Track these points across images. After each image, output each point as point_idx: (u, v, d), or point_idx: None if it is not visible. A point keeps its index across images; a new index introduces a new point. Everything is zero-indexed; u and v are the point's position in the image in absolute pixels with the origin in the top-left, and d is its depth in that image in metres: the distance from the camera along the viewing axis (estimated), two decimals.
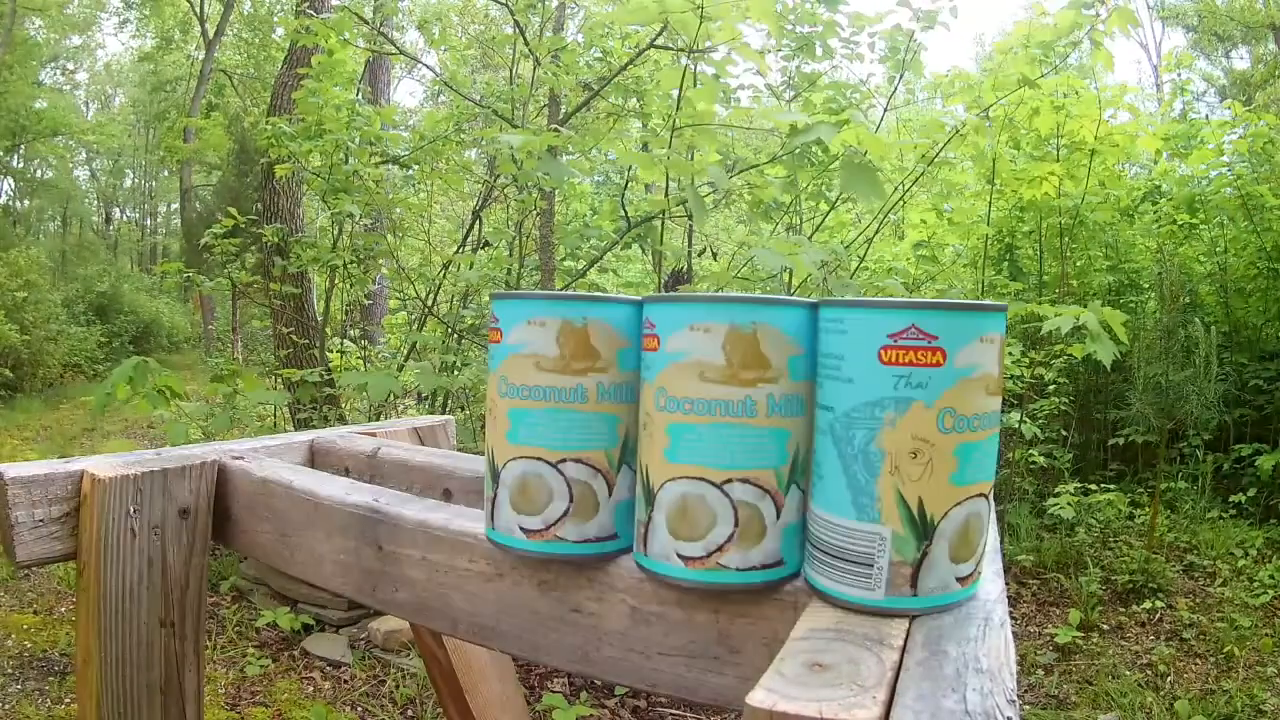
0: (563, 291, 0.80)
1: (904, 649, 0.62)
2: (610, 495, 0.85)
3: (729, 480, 0.74)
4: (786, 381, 0.75)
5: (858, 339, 0.70)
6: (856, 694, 0.54)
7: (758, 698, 0.54)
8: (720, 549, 0.75)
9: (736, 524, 0.74)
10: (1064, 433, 6.18)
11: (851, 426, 0.70)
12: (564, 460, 0.83)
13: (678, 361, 0.76)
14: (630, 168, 5.49)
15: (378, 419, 5.09)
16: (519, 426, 0.84)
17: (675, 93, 3.96)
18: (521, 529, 0.84)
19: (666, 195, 4.18)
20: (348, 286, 5.91)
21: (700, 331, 0.75)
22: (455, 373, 4.95)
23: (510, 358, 0.85)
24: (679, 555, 0.76)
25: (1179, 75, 8.22)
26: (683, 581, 0.76)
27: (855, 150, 3.24)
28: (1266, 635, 4.24)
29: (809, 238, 5.02)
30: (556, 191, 5.80)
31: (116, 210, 30.88)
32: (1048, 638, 4.42)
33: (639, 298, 0.87)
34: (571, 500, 0.83)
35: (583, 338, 0.83)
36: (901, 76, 4.89)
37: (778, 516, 0.75)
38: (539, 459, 0.83)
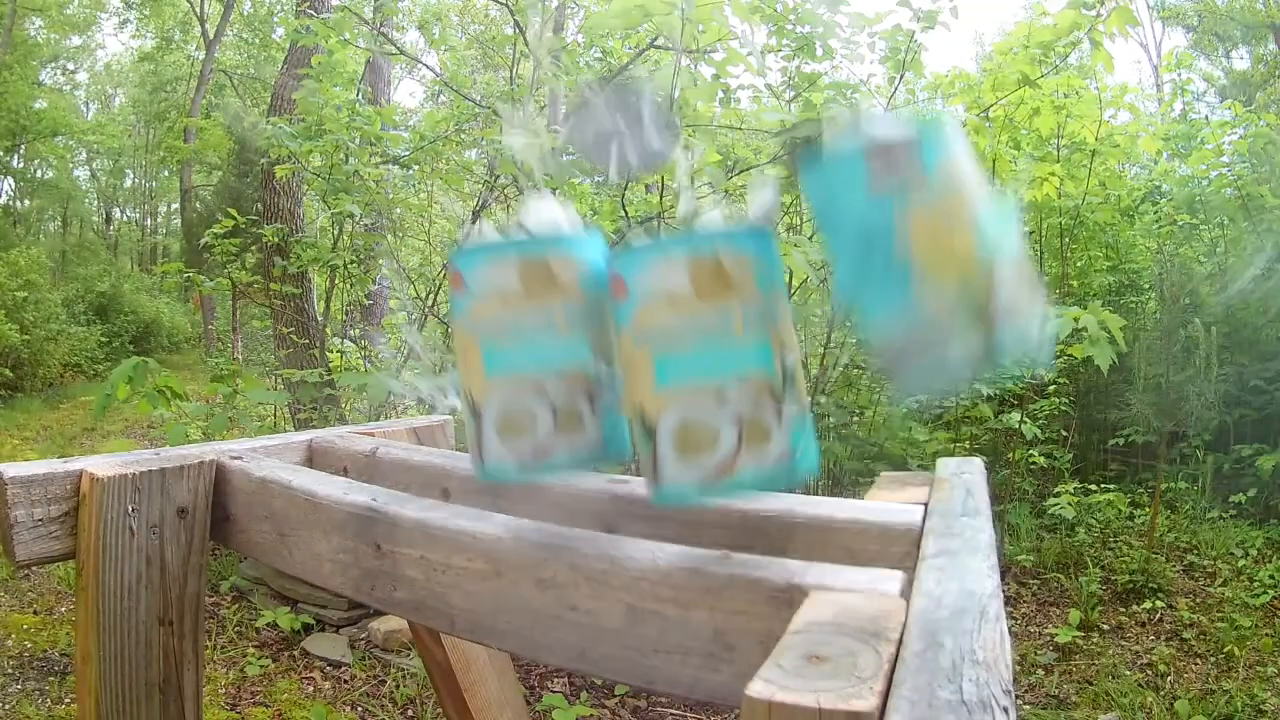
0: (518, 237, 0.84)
1: (901, 641, 0.62)
2: (593, 410, 0.87)
3: (722, 391, 0.76)
4: (754, 292, 0.79)
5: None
6: (854, 685, 0.55)
7: (756, 689, 0.54)
8: (734, 458, 0.77)
9: (742, 435, 0.76)
10: (1064, 433, 6.18)
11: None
12: (544, 381, 0.85)
13: (649, 301, 0.80)
14: None
15: (378, 419, 5.09)
16: (494, 362, 0.87)
17: (675, 93, 3.97)
18: (515, 458, 0.86)
19: (661, 198, 4.18)
20: (348, 286, 5.91)
21: (664, 267, 0.79)
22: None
23: (478, 300, 0.88)
24: (693, 478, 0.79)
25: (1179, 75, 8.23)
26: (703, 503, 0.82)
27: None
28: (1266, 635, 4.24)
29: (809, 238, 5.02)
30: (557, 191, 5.80)
31: (116, 210, 30.88)
32: (1048, 638, 4.42)
33: (597, 234, 0.93)
34: (557, 419, 0.85)
35: (544, 270, 0.87)
36: (902, 77, 4.89)
37: (779, 417, 0.77)
38: (519, 385, 0.86)
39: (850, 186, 0.77)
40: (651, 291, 0.82)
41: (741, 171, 4.89)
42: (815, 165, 0.80)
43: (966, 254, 0.74)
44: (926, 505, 1.03)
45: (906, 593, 0.73)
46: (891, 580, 0.75)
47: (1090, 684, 3.97)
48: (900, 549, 0.95)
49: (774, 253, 0.82)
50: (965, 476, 1.17)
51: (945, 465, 1.25)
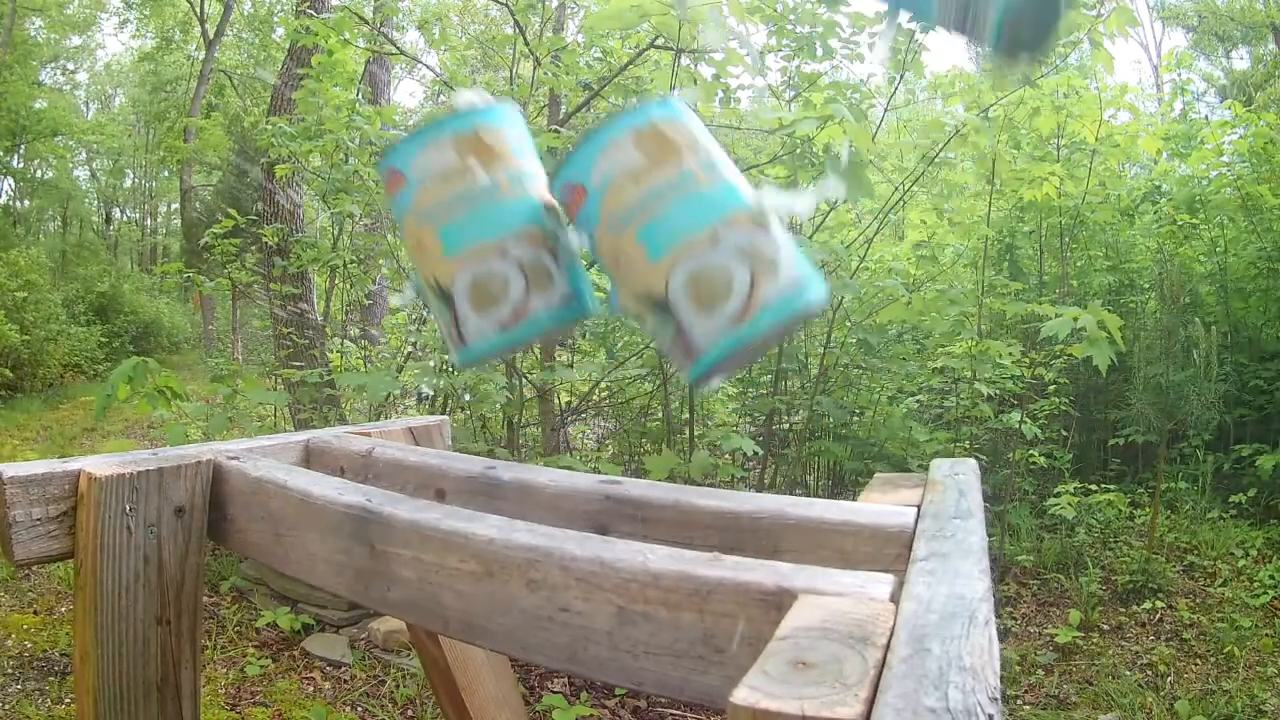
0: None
1: (888, 647, 0.62)
2: (558, 264, 0.90)
3: (503, 246, 0.84)
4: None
5: None
6: (839, 692, 0.55)
7: (741, 695, 0.54)
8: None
9: (751, 270, 0.79)
10: (1064, 433, 6.18)
11: None
12: (505, 244, 0.88)
13: (426, 183, 0.87)
14: None
15: (378, 419, 5.09)
16: (452, 239, 0.90)
17: (674, 93, 3.97)
18: (495, 326, 0.89)
19: None
20: (348, 286, 5.91)
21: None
22: (455, 373, 4.95)
23: (420, 187, 0.91)
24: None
25: (1179, 75, 8.22)
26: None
27: (851, 149, 3.24)
28: (1266, 635, 4.24)
29: (809, 238, 5.02)
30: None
31: (116, 210, 30.89)
32: (1048, 638, 4.42)
33: (510, 102, 0.98)
34: (527, 277, 0.88)
35: (476, 141, 0.90)
36: (902, 77, 4.89)
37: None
38: (483, 254, 0.89)
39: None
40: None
41: (742, 171, 4.90)
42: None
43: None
44: (919, 507, 1.03)
45: (896, 596, 0.73)
46: (881, 584, 0.75)
47: (1090, 684, 3.97)
48: (892, 551, 0.95)
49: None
50: (959, 478, 1.17)
51: (939, 466, 1.25)
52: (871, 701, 0.54)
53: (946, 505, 1.02)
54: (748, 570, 0.78)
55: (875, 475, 1.26)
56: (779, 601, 0.74)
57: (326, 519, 1.12)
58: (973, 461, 1.26)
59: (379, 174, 0.97)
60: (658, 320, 0.83)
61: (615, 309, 0.93)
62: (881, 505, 1.06)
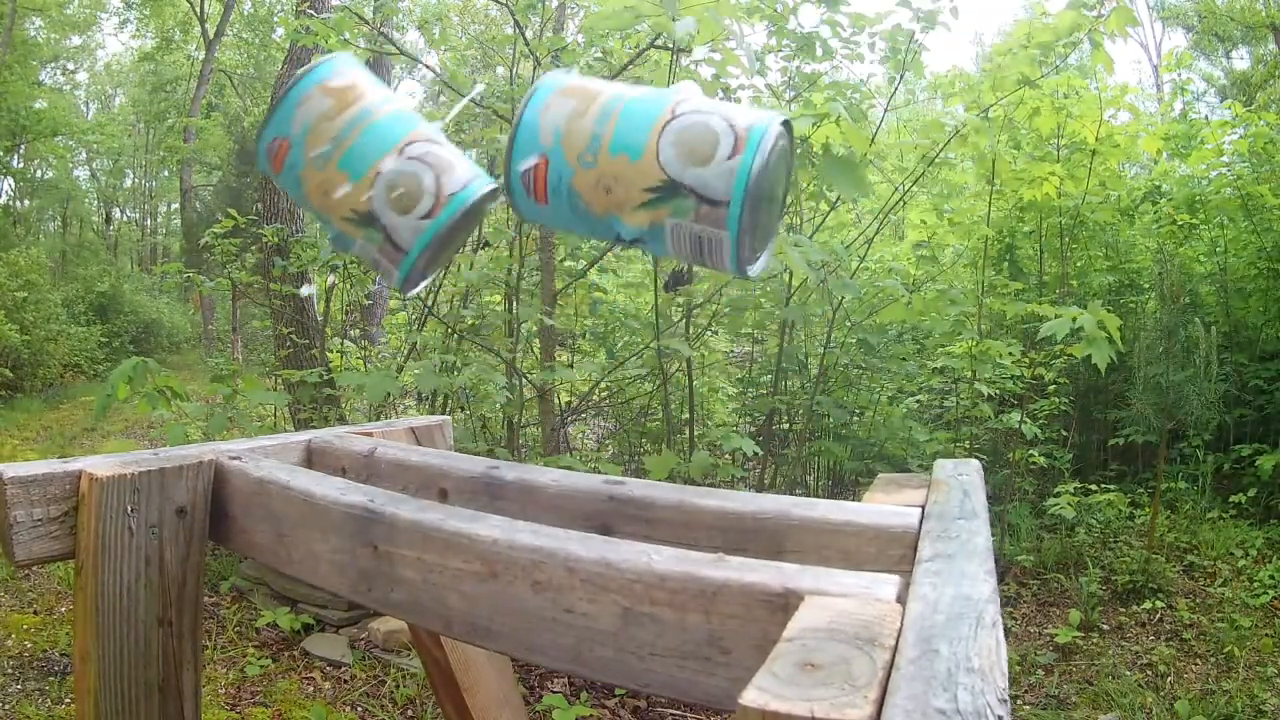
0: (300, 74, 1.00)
1: (896, 648, 0.62)
2: (459, 146, 0.99)
3: (401, 150, 0.97)
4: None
5: None
6: (848, 693, 0.54)
7: (750, 697, 0.54)
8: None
9: (435, 173, 0.96)
10: (1064, 433, 6.18)
11: None
12: (402, 146, 0.98)
13: (308, 133, 0.97)
14: None
15: (378, 419, 5.09)
16: (355, 162, 0.98)
17: None
18: (420, 218, 0.97)
19: None
20: (348, 286, 5.91)
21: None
22: (455, 373, 4.95)
23: (308, 138, 0.99)
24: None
25: (1179, 75, 8.22)
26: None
27: (845, 149, 3.24)
28: (1266, 635, 4.24)
29: (809, 237, 5.02)
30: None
31: (116, 210, 30.87)
32: (1048, 638, 4.42)
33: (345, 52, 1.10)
34: (433, 167, 0.98)
35: (333, 88, 1.00)
36: (902, 77, 4.89)
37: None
38: (388, 164, 0.97)
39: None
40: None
41: None
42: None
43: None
44: (923, 508, 1.03)
45: (903, 597, 0.73)
46: (887, 585, 0.75)
47: (1090, 684, 3.97)
48: (897, 552, 0.95)
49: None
50: (963, 478, 1.17)
51: (942, 467, 1.24)
52: (881, 703, 0.54)
53: (951, 506, 1.02)
54: (753, 571, 0.78)
55: (879, 476, 1.26)
56: (785, 603, 0.73)
57: (329, 519, 1.12)
58: (976, 463, 1.26)
59: (263, 159, 1.01)
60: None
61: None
62: (885, 506, 1.06)
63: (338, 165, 0.95)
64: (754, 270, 0.88)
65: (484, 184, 1.00)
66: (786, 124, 0.87)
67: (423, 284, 1.07)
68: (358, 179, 0.95)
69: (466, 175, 0.99)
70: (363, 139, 0.96)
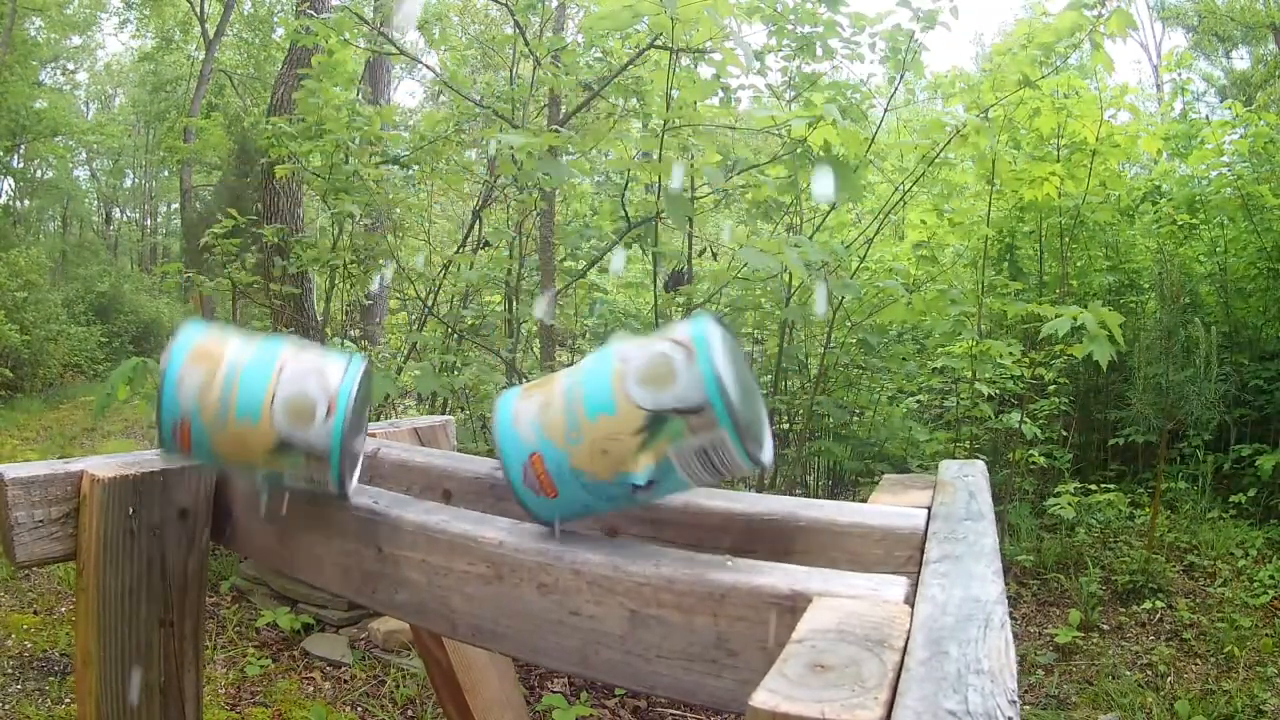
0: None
1: (905, 650, 0.62)
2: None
3: (276, 382, 1.05)
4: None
5: None
6: (858, 695, 0.54)
7: (760, 698, 0.54)
8: (688, 359, 0.92)
9: (313, 382, 1.05)
10: (1064, 433, 6.18)
11: None
12: (279, 375, 1.05)
13: (199, 401, 1.04)
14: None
15: (377, 419, 5.08)
16: (249, 409, 1.04)
17: (673, 93, 3.96)
18: (324, 420, 1.03)
19: (658, 198, 4.18)
20: (348, 286, 5.91)
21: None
22: (455, 373, 4.95)
23: (202, 409, 1.05)
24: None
25: (1179, 75, 8.23)
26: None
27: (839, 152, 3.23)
28: (1266, 635, 4.24)
29: (809, 238, 5.02)
30: (556, 192, 5.80)
31: (116, 210, 30.87)
32: (1048, 638, 4.42)
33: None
34: (311, 374, 1.06)
35: (204, 349, 1.08)
36: (902, 77, 4.88)
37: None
38: (272, 394, 1.04)
39: None
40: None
41: (742, 171, 4.89)
42: None
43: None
44: (929, 509, 1.03)
45: (911, 598, 0.73)
46: (895, 586, 0.75)
47: (1090, 684, 3.97)
48: (904, 553, 0.95)
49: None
50: (968, 479, 1.16)
51: (947, 468, 1.24)
52: (891, 704, 0.54)
53: (957, 507, 1.02)
54: (761, 574, 0.78)
55: (884, 477, 1.26)
56: (793, 605, 0.73)
57: (333, 521, 1.11)
58: (981, 463, 1.26)
59: (170, 444, 1.11)
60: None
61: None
62: (892, 507, 1.06)
63: (236, 417, 1.02)
64: (766, 457, 0.90)
65: (358, 365, 1.08)
66: (718, 320, 0.93)
67: (355, 475, 1.14)
68: (258, 419, 1.02)
69: (339, 366, 1.07)
70: (244, 385, 1.03)
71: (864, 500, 1.17)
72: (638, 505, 0.94)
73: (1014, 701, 0.56)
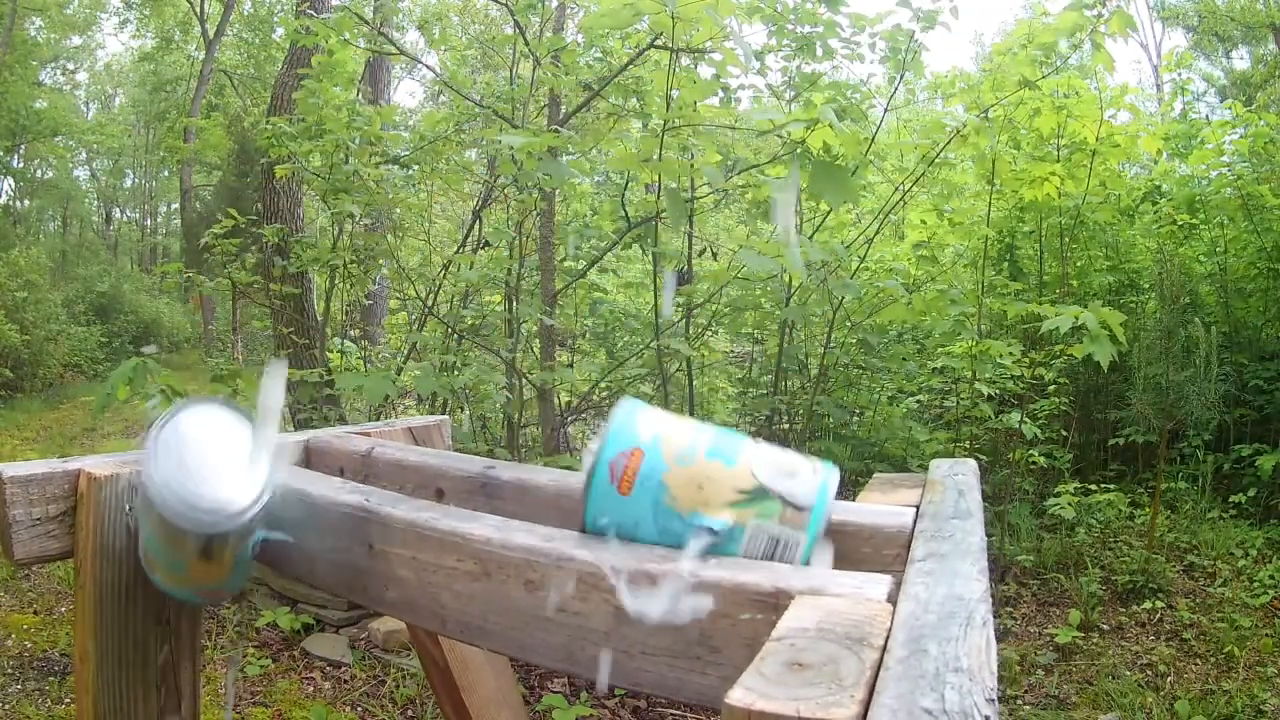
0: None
1: (885, 648, 0.62)
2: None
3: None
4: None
5: None
6: (835, 693, 0.55)
7: (736, 696, 0.54)
8: (813, 471, 0.98)
9: (810, 464, 1.00)
10: (1064, 433, 6.17)
11: None
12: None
13: (662, 435, 0.97)
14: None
15: (377, 419, 5.09)
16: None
17: (673, 93, 3.97)
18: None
19: (658, 198, 4.18)
20: (348, 287, 5.91)
21: (645, 413, 1.01)
22: (455, 373, 4.95)
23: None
24: (813, 478, 0.97)
25: (1179, 75, 8.22)
26: (830, 476, 0.98)
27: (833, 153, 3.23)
28: (1266, 635, 4.24)
29: (809, 238, 5.02)
30: (556, 192, 5.81)
31: (116, 210, 30.90)
32: (1048, 638, 4.42)
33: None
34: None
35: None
36: (902, 77, 4.89)
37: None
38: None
39: None
40: (657, 433, 0.97)
41: (742, 171, 4.90)
42: None
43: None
44: (918, 507, 1.03)
45: (894, 596, 0.73)
46: (879, 584, 0.75)
47: (1090, 684, 3.97)
48: (891, 552, 0.95)
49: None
50: (958, 478, 1.17)
51: (938, 466, 1.25)
52: (867, 702, 0.54)
53: (945, 505, 1.02)
54: (745, 571, 0.78)
55: (874, 475, 1.26)
56: (776, 602, 0.74)
57: (326, 518, 1.12)
58: (972, 462, 1.26)
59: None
60: (760, 508, 0.92)
61: (702, 537, 0.96)
62: (880, 505, 1.06)
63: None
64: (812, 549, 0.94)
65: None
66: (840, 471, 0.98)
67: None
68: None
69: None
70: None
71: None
72: (681, 547, 0.92)
73: (992, 700, 0.56)
